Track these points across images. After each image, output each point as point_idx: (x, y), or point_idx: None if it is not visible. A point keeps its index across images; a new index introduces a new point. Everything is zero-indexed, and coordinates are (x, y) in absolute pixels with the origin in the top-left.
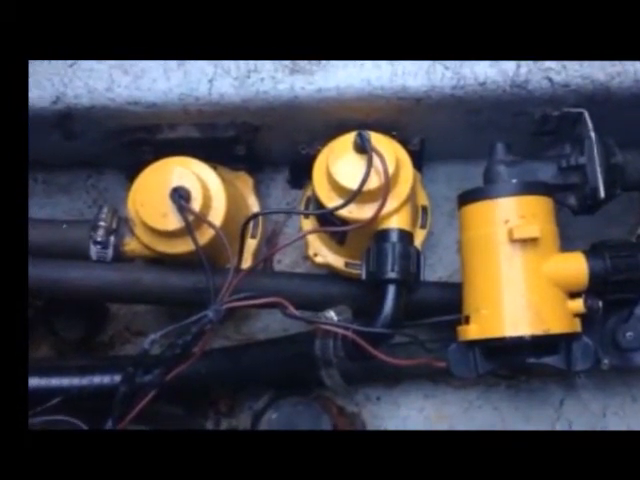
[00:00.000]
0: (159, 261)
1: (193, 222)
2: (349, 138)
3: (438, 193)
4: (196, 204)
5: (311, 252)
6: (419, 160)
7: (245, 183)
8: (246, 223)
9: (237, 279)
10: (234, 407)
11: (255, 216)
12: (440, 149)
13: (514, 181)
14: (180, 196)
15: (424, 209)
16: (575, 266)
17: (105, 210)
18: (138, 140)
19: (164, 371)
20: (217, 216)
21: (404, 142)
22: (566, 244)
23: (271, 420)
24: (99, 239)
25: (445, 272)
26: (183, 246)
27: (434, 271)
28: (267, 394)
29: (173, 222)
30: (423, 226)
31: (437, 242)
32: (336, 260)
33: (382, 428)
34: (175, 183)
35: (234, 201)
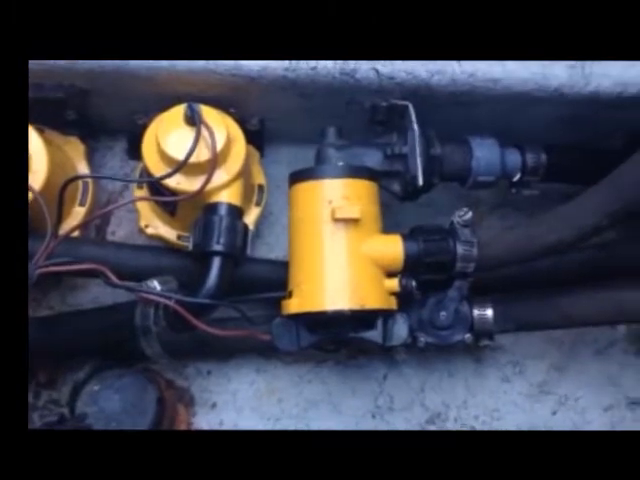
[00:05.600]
0: None
1: None
2: (180, 110)
3: (280, 174)
4: None
5: (143, 223)
6: (259, 140)
7: (76, 149)
8: (64, 187)
9: (55, 244)
10: (56, 379)
11: (72, 180)
12: (282, 131)
13: (340, 164)
14: None
15: (260, 188)
16: (392, 247)
17: None
18: None
19: None
20: (37, 179)
21: (242, 121)
22: (397, 230)
23: (93, 392)
24: None
25: (282, 251)
26: None
27: (271, 250)
28: (89, 365)
29: None
30: (258, 204)
31: (276, 221)
32: (168, 232)
33: (211, 402)
34: None
35: (60, 166)
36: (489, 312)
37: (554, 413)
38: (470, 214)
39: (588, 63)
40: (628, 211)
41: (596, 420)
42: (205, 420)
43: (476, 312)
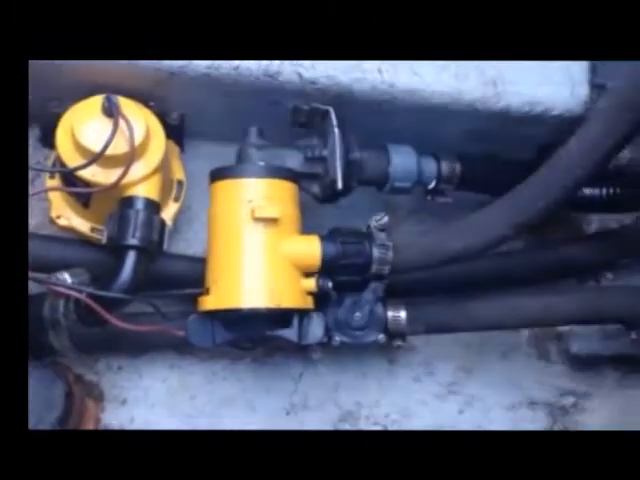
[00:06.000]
0: None
1: None
2: (97, 100)
3: (200, 170)
4: None
5: (54, 214)
6: (179, 135)
7: None
8: None
9: None
10: None
11: None
12: (204, 127)
13: (262, 164)
14: None
15: (179, 183)
16: (310, 248)
17: None
18: None
19: None
20: None
21: (163, 114)
22: (316, 231)
23: None
24: None
25: (200, 247)
26: None
27: (189, 246)
28: None
29: None
30: (177, 199)
31: (195, 217)
32: (81, 224)
33: (121, 398)
34: None
35: None
36: (402, 314)
37: (461, 412)
38: (386, 219)
39: (500, 82)
40: (532, 223)
41: (499, 419)
42: (114, 416)
43: (390, 314)
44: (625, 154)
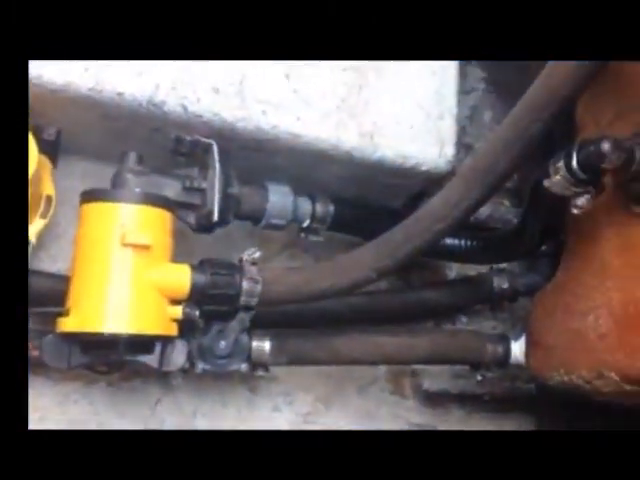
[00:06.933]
0: None
1: None
2: None
3: (72, 187)
4: None
5: None
6: (54, 150)
7: None
8: None
9: None
10: None
11: None
12: (80, 145)
13: (137, 190)
14: None
15: (48, 199)
16: (179, 277)
17: None
18: None
19: None
20: None
21: (38, 129)
22: (190, 259)
23: None
24: None
25: (65, 264)
26: None
27: (54, 262)
28: None
29: None
30: (43, 216)
31: (63, 234)
32: None
33: None
34: None
35: None
36: (266, 345)
37: None
38: (258, 253)
39: (377, 135)
40: (396, 267)
41: None
42: None
43: (254, 344)
44: (485, 210)
